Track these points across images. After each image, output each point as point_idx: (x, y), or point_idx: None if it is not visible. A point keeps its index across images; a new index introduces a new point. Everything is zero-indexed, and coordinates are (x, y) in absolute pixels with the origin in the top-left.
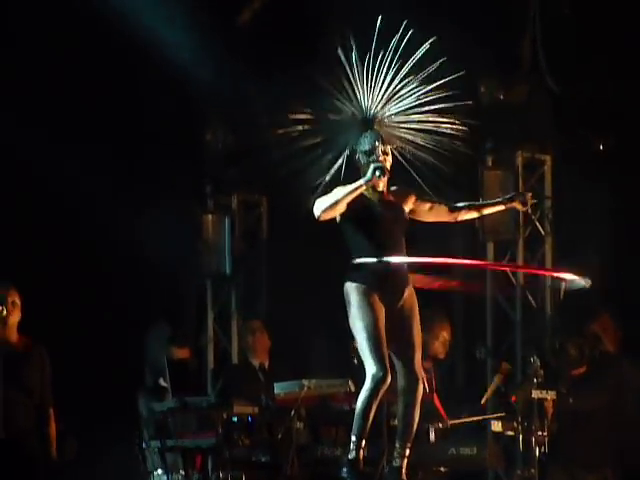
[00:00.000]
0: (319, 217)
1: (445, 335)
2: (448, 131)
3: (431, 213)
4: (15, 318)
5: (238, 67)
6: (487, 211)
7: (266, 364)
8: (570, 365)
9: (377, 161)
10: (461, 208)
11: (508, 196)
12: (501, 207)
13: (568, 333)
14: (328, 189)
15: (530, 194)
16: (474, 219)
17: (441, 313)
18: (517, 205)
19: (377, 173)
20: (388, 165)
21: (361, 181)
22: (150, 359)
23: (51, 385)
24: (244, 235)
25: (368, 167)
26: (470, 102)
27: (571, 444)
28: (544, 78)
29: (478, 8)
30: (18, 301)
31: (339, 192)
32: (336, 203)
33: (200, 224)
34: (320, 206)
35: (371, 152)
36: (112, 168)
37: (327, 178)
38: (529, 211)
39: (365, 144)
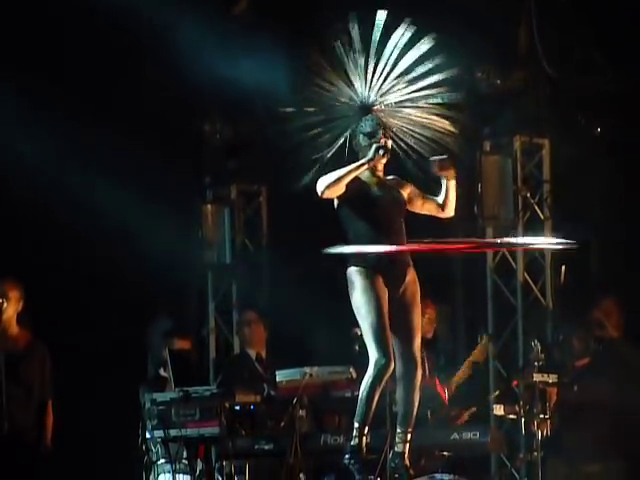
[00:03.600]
0: (322, 194)
1: (430, 312)
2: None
3: (423, 208)
4: (13, 311)
5: (236, 55)
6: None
7: (263, 354)
8: (574, 357)
9: (379, 141)
10: (443, 203)
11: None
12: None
13: (572, 327)
14: (327, 171)
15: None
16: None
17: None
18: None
19: (380, 152)
20: (389, 146)
21: (363, 160)
22: (152, 351)
23: (51, 379)
24: (244, 225)
25: (368, 149)
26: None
27: (574, 435)
28: (541, 64)
29: None
30: (18, 294)
31: (341, 170)
32: (339, 180)
33: (200, 215)
34: (323, 183)
35: (373, 134)
36: (110, 160)
37: (327, 156)
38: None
39: (367, 126)
